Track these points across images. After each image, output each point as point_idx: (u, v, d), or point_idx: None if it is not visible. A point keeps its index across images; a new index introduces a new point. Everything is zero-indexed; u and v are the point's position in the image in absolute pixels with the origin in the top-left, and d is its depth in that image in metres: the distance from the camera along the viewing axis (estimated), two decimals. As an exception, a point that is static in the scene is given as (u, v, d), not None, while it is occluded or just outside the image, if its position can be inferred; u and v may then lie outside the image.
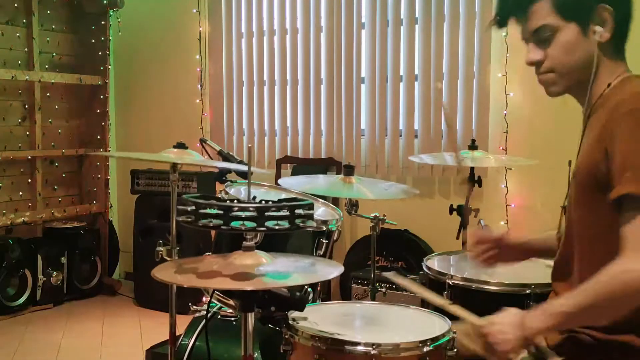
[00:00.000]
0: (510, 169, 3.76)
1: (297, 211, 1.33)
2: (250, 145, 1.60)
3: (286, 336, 1.75)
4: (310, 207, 1.37)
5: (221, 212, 1.31)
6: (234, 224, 1.30)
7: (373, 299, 2.67)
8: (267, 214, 1.31)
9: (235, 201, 1.34)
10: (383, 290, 2.75)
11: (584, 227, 1.54)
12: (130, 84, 5.29)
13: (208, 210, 1.31)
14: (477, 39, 3.82)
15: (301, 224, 1.34)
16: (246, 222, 1.30)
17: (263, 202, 1.34)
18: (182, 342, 2.35)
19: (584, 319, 1.45)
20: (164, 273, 1.43)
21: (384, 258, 3.89)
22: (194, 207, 1.33)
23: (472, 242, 1.89)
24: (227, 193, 2.28)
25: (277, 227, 1.31)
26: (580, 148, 1.60)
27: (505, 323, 1.48)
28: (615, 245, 1.39)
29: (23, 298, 4.34)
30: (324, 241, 2.26)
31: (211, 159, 2.67)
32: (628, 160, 1.36)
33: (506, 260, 1.90)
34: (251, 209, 1.30)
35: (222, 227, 1.31)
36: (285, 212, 1.32)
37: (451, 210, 3.17)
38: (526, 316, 1.47)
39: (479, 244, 1.87)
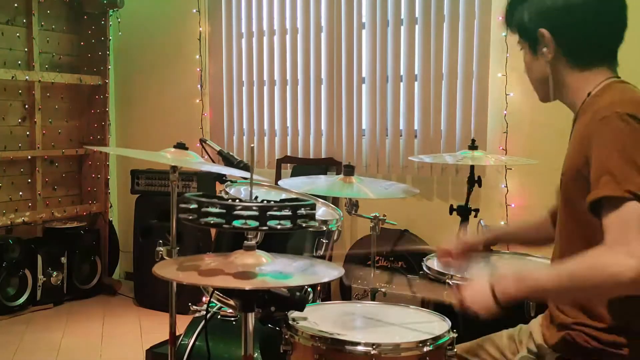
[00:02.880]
0: (510, 169, 3.76)
1: (299, 211, 1.33)
2: (252, 145, 1.59)
3: (286, 336, 1.75)
4: (313, 207, 1.37)
5: (224, 210, 1.31)
6: (236, 223, 1.30)
7: (373, 299, 2.67)
8: (269, 213, 1.31)
9: (238, 200, 1.34)
10: (383, 290, 2.74)
11: (567, 227, 1.59)
12: (130, 84, 5.29)
13: (210, 209, 1.31)
14: (477, 39, 3.82)
15: (303, 224, 1.34)
16: (249, 222, 1.30)
17: (265, 201, 1.34)
18: (182, 342, 2.35)
19: (553, 297, 1.54)
20: (164, 270, 1.43)
21: (384, 258, 3.89)
22: (196, 206, 1.33)
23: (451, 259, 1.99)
24: (227, 193, 2.28)
25: (279, 227, 1.31)
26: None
27: (477, 286, 1.52)
28: (592, 245, 1.43)
29: (23, 298, 4.35)
30: (324, 241, 2.26)
31: (211, 159, 2.68)
32: (603, 165, 1.40)
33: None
34: (254, 208, 1.30)
35: (224, 225, 1.30)
36: (287, 212, 1.32)
37: (451, 210, 3.17)
38: (497, 281, 1.49)
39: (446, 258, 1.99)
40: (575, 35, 1.60)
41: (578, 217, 1.53)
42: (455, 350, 1.72)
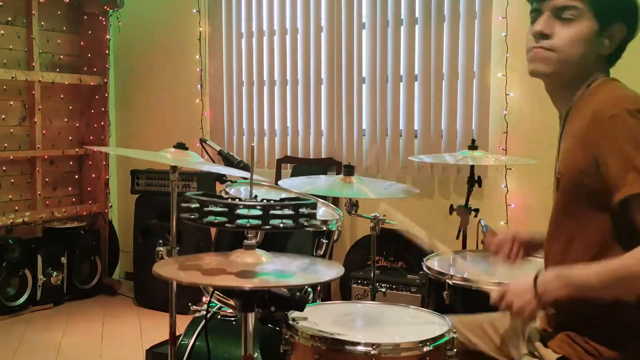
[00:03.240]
0: (510, 169, 3.76)
1: (301, 210, 1.33)
2: (252, 145, 1.59)
3: (286, 336, 1.75)
4: (314, 206, 1.37)
5: (226, 209, 1.31)
6: (240, 222, 1.30)
7: (373, 299, 2.67)
8: (271, 212, 1.31)
9: (239, 199, 1.34)
10: (383, 290, 2.75)
11: (566, 227, 1.58)
12: (130, 84, 5.29)
13: (212, 208, 1.31)
14: (477, 39, 3.82)
15: (305, 223, 1.34)
16: (251, 220, 1.30)
17: (266, 201, 1.34)
18: (182, 342, 2.35)
19: (597, 293, 1.45)
20: (164, 269, 1.43)
21: (384, 258, 3.89)
22: (198, 205, 1.33)
23: (494, 249, 1.92)
24: (227, 193, 2.28)
25: (281, 226, 1.31)
26: (559, 150, 1.64)
27: (521, 286, 1.51)
28: (592, 248, 1.46)
29: (23, 298, 4.34)
30: (324, 241, 2.26)
31: (211, 159, 2.68)
32: (627, 163, 1.40)
33: (527, 255, 1.93)
34: (256, 207, 1.30)
35: (227, 225, 1.30)
36: (289, 211, 1.32)
37: (451, 210, 3.17)
38: (541, 282, 1.49)
39: (500, 247, 1.90)
40: (630, 39, 1.60)
41: (579, 218, 1.53)
42: (455, 350, 1.72)
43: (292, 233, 2.23)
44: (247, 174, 2.22)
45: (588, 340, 1.54)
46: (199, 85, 4.86)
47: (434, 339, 1.69)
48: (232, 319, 2.34)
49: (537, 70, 1.61)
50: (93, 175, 5.01)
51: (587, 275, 1.45)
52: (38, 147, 4.67)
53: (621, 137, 1.41)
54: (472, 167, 3.18)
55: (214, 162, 2.70)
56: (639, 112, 1.42)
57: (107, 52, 4.91)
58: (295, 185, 2.47)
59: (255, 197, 1.41)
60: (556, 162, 1.65)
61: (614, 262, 1.42)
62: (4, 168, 4.53)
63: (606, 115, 1.45)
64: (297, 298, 1.58)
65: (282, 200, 1.36)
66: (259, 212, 1.30)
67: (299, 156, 4.47)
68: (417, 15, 4.00)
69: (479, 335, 1.82)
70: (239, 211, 1.30)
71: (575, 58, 1.56)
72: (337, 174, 4.14)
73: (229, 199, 1.33)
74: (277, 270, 1.42)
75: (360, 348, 1.64)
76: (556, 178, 1.61)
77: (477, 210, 3.20)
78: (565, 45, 1.56)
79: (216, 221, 1.31)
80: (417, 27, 4.01)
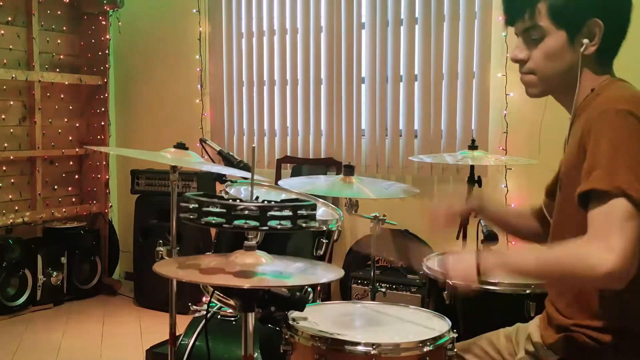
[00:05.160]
0: (510, 169, 3.76)
1: (299, 211, 1.33)
2: (253, 146, 1.59)
3: (286, 336, 1.75)
4: (313, 207, 1.37)
5: (224, 210, 1.31)
6: (237, 222, 1.30)
7: (373, 299, 2.67)
8: (270, 213, 1.31)
9: (238, 200, 1.34)
10: (383, 290, 2.74)
11: (566, 231, 1.56)
12: (130, 84, 5.30)
13: (211, 209, 1.31)
14: (477, 39, 3.83)
15: (304, 224, 1.34)
16: (249, 221, 1.30)
17: (265, 202, 1.34)
18: (182, 342, 2.35)
19: (532, 280, 1.56)
20: (164, 269, 1.43)
21: (384, 258, 3.89)
22: (196, 205, 1.33)
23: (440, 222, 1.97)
24: (227, 193, 2.28)
25: (279, 227, 1.31)
26: (564, 153, 1.64)
27: (462, 260, 1.53)
28: None
29: (23, 298, 4.35)
30: (324, 241, 2.26)
31: (211, 159, 2.67)
32: (597, 158, 1.40)
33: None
34: (254, 208, 1.31)
35: (225, 225, 1.31)
36: (287, 212, 1.32)
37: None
38: (482, 254, 1.51)
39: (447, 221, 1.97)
40: (621, 33, 1.57)
41: (577, 217, 1.52)
42: (455, 350, 1.72)
43: (292, 234, 2.23)
44: (247, 174, 2.23)
45: (588, 340, 1.54)
46: (199, 85, 4.86)
47: (434, 339, 1.69)
48: (232, 319, 2.34)
49: (529, 93, 1.66)
50: (93, 175, 5.01)
51: (523, 262, 1.48)
52: (38, 147, 4.68)
53: (603, 133, 1.41)
54: (472, 167, 3.18)
55: (214, 162, 2.69)
56: (628, 112, 1.41)
57: (107, 52, 4.91)
58: (295, 185, 2.47)
59: (257, 198, 1.41)
60: (561, 164, 1.66)
61: (552, 253, 1.44)
62: (4, 168, 4.54)
63: (599, 109, 1.45)
64: (297, 298, 1.58)
65: (280, 201, 1.36)
66: (256, 213, 1.30)
67: (299, 156, 4.47)
68: (417, 15, 4.00)
69: (480, 356, 1.83)
70: (237, 212, 1.30)
71: (557, 72, 1.57)
72: (337, 174, 4.13)
73: (228, 200, 1.33)
74: (276, 270, 1.42)
75: (360, 348, 1.64)
76: (559, 178, 1.62)
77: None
78: (541, 65, 1.58)
79: (214, 222, 1.31)
80: (417, 27, 4.01)
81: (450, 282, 1.58)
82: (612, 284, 1.35)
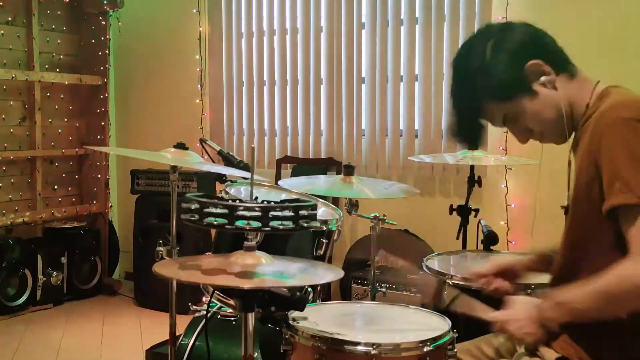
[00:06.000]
0: (511, 169, 3.76)
1: (301, 212, 1.33)
2: (253, 146, 1.59)
3: (286, 336, 1.75)
4: (314, 207, 1.37)
5: (226, 211, 1.31)
6: (239, 223, 1.30)
7: (373, 299, 2.67)
8: (271, 214, 1.31)
9: (239, 201, 1.34)
10: (383, 290, 2.74)
11: (592, 245, 1.55)
12: (130, 84, 5.29)
13: (212, 209, 1.31)
14: (477, 39, 3.82)
15: (305, 224, 1.34)
16: (251, 222, 1.30)
17: (266, 202, 1.34)
18: (182, 342, 2.35)
19: (594, 315, 1.47)
20: (164, 269, 1.43)
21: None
22: (198, 206, 1.33)
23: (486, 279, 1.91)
24: (227, 193, 2.28)
25: (281, 227, 1.31)
26: (569, 179, 1.64)
27: (522, 317, 1.52)
28: (603, 260, 1.43)
29: (23, 298, 4.34)
30: (324, 241, 2.26)
31: (211, 159, 2.68)
32: (615, 171, 1.39)
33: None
34: (256, 208, 1.31)
35: (227, 226, 1.31)
36: (289, 213, 1.32)
37: (451, 210, 3.17)
38: (541, 309, 1.50)
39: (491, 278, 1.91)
40: (553, 46, 1.61)
41: (591, 230, 1.51)
42: (455, 350, 1.72)
43: (293, 234, 2.23)
44: (247, 174, 2.23)
45: (588, 340, 1.54)
46: (199, 85, 4.86)
47: (434, 339, 1.69)
48: (232, 319, 2.33)
49: (558, 143, 1.67)
50: (93, 175, 5.01)
51: (578, 300, 1.45)
52: (38, 147, 4.67)
53: (615, 144, 1.41)
54: (472, 167, 3.18)
55: (214, 162, 2.70)
56: (635, 120, 1.41)
57: (107, 52, 4.91)
58: (295, 185, 2.47)
59: (256, 198, 1.41)
60: (568, 171, 1.66)
61: (598, 283, 1.41)
62: (4, 168, 4.53)
63: (607, 119, 1.45)
64: (297, 298, 1.58)
65: (282, 201, 1.36)
66: (258, 214, 1.30)
67: (299, 156, 4.47)
68: (417, 15, 4.00)
69: (479, 358, 1.83)
70: (238, 213, 1.30)
71: (555, 116, 1.59)
72: (337, 173, 4.14)
73: (230, 201, 1.33)
74: (276, 271, 1.42)
75: (360, 348, 1.64)
76: (571, 202, 1.60)
77: (477, 210, 3.20)
78: (542, 127, 1.62)
79: (216, 222, 1.31)
80: (417, 27, 4.01)
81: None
82: None
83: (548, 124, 1.61)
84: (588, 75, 1.64)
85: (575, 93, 1.59)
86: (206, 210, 1.32)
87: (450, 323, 1.78)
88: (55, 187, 4.90)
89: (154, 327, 4.09)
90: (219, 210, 1.31)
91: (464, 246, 3.13)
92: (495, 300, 1.67)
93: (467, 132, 1.70)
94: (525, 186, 3.75)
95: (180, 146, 2.30)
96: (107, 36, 4.91)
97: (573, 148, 1.63)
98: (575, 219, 1.59)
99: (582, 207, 1.53)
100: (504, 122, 1.64)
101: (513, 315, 1.56)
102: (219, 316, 2.35)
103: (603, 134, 1.44)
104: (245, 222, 1.30)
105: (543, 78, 1.56)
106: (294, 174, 4.37)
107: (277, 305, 1.54)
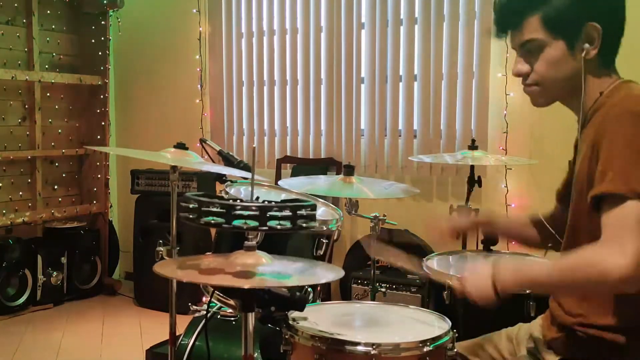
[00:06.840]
0: (510, 169, 3.76)
1: (299, 212, 1.33)
2: (254, 146, 1.59)
3: (286, 336, 1.75)
4: (313, 208, 1.37)
5: (224, 210, 1.31)
6: (236, 222, 1.30)
7: (373, 299, 2.67)
8: (269, 213, 1.31)
9: (238, 200, 1.34)
10: (383, 290, 2.74)
11: (590, 237, 1.54)
12: (130, 84, 5.30)
13: (211, 209, 1.31)
14: (477, 39, 3.83)
15: (303, 225, 1.34)
16: (248, 221, 1.30)
17: (265, 202, 1.34)
18: (182, 342, 2.35)
19: (549, 291, 1.54)
20: (164, 269, 1.43)
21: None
22: (196, 205, 1.33)
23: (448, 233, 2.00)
24: (227, 193, 2.28)
25: (279, 227, 1.31)
26: (575, 159, 1.63)
27: (478, 281, 1.53)
28: None
29: (23, 298, 4.35)
30: (324, 241, 2.26)
31: (211, 159, 2.68)
32: (611, 161, 1.39)
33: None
34: (254, 208, 1.31)
35: (224, 225, 1.31)
36: (287, 213, 1.32)
37: (451, 210, 3.17)
38: (497, 272, 1.50)
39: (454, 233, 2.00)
40: (619, 32, 1.56)
41: (595, 224, 1.51)
42: (455, 350, 1.72)
43: (292, 234, 2.23)
44: (247, 174, 2.23)
45: (589, 340, 1.54)
46: (199, 85, 4.86)
47: (434, 339, 1.69)
48: (232, 319, 2.34)
49: (535, 103, 1.65)
50: (93, 175, 5.01)
51: (538, 273, 1.48)
52: (38, 147, 4.68)
53: (617, 135, 1.41)
54: (472, 167, 3.18)
55: (214, 162, 2.70)
56: None
57: (107, 52, 4.91)
58: (295, 185, 2.47)
59: (257, 198, 1.41)
60: (572, 166, 1.65)
61: (565, 262, 1.44)
62: (4, 168, 4.54)
63: (614, 112, 1.45)
64: (297, 298, 1.58)
65: (280, 201, 1.36)
66: (256, 213, 1.30)
67: (299, 156, 4.47)
68: (416, 15, 4.00)
69: (482, 357, 1.83)
70: (236, 212, 1.30)
71: (560, 79, 1.57)
72: (337, 173, 4.14)
73: (228, 200, 1.33)
74: (276, 271, 1.42)
75: (360, 348, 1.64)
76: (573, 182, 1.60)
77: (477, 211, 3.19)
78: (544, 76, 1.58)
79: (214, 222, 1.31)
80: (416, 27, 4.01)
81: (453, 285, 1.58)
82: (625, 288, 1.34)
83: (552, 79, 1.58)
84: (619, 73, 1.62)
85: (595, 84, 1.57)
86: (204, 209, 1.32)
87: (450, 323, 1.78)
88: (55, 187, 4.90)
89: (154, 327, 4.09)
90: (217, 210, 1.31)
91: (464, 246, 3.13)
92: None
93: (506, 15, 1.63)
94: (525, 186, 3.75)
95: (180, 146, 2.30)
96: (107, 36, 4.91)
97: (579, 132, 1.62)
98: (574, 206, 1.59)
99: (583, 195, 1.52)
100: (522, 45, 1.59)
101: (472, 273, 1.57)
102: (218, 316, 2.35)
103: (608, 125, 1.44)
104: (243, 221, 1.30)
105: (587, 45, 1.52)
106: (294, 174, 4.37)
107: (277, 305, 1.54)
